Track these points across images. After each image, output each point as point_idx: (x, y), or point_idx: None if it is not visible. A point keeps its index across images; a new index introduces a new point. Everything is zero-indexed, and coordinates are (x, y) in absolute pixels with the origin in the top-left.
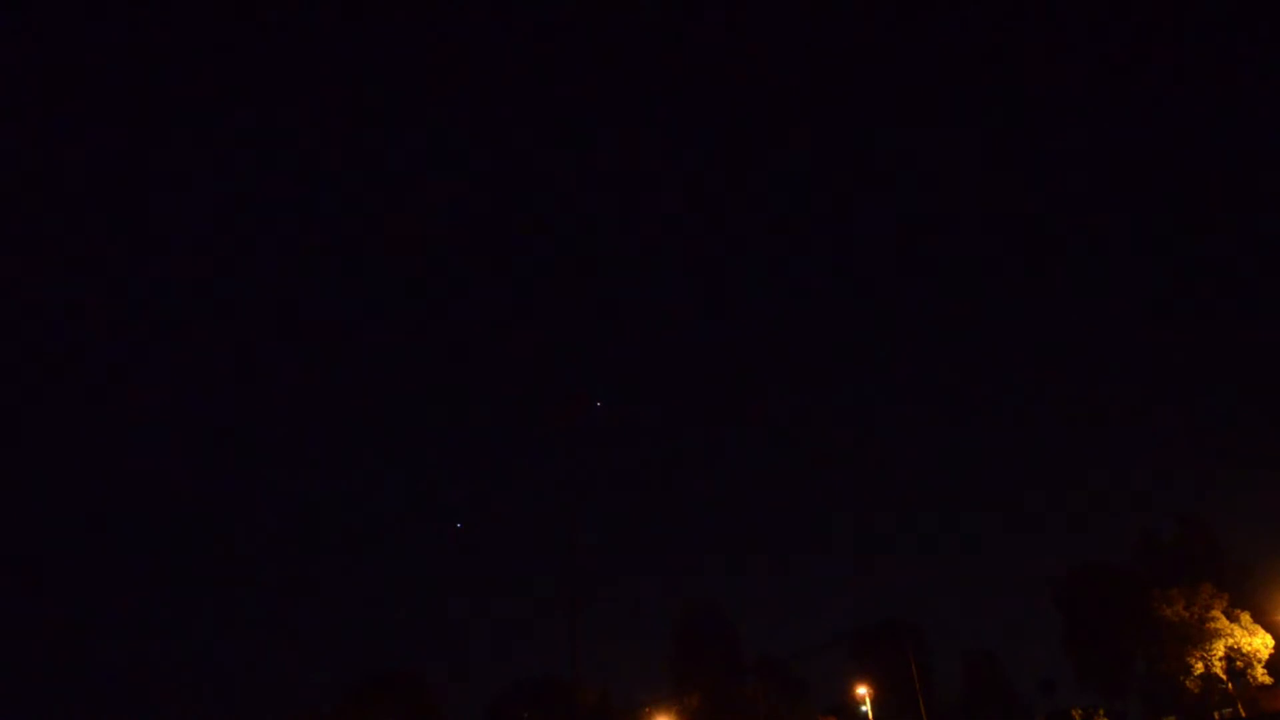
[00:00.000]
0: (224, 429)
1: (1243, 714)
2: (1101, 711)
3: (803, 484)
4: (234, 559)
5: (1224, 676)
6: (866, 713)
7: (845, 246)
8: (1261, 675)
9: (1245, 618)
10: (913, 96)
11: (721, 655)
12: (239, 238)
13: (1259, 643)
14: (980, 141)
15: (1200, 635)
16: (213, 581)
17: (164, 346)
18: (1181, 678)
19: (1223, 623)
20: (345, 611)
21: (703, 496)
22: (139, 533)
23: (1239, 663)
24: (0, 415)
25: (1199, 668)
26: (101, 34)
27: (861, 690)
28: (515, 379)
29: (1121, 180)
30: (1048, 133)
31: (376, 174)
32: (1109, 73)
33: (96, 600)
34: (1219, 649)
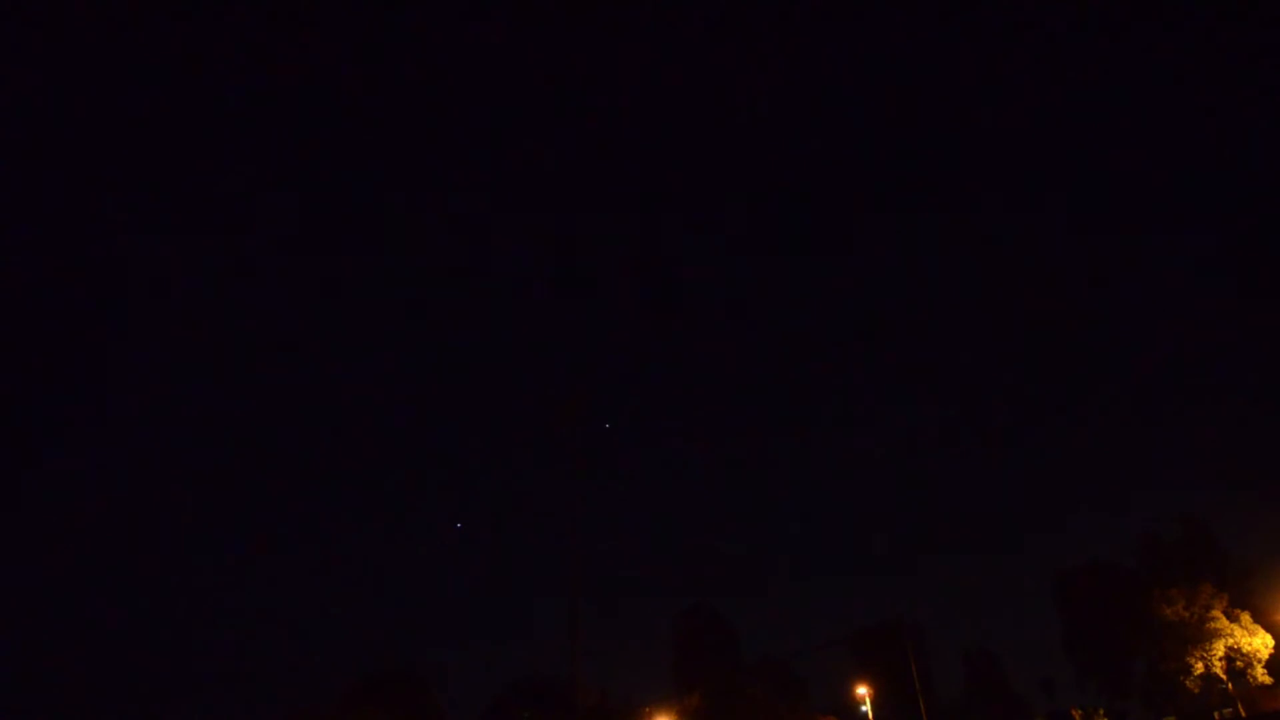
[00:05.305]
0: (225, 429)
1: (1243, 714)
2: (1101, 711)
3: (803, 484)
4: (233, 558)
5: (1224, 676)
6: (866, 713)
7: (844, 248)
8: (1261, 675)
9: (1245, 618)
10: (909, 101)
11: (721, 655)
12: (240, 239)
13: (1259, 643)
14: (980, 140)
15: (1200, 635)
16: (212, 581)
17: (167, 345)
18: (1181, 678)
19: (1223, 623)
20: (346, 611)
21: (703, 497)
22: (138, 532)
23: (1239, 663)
24: (2, 415)
25: (1199, 668)
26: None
27: (861, 690)
28: (517, 381)
29: (1122, 182)
30: (1048, 132)
31: (379, 176)
32: (1108, 74)
33: (95, 600)
34: (1219, 649)
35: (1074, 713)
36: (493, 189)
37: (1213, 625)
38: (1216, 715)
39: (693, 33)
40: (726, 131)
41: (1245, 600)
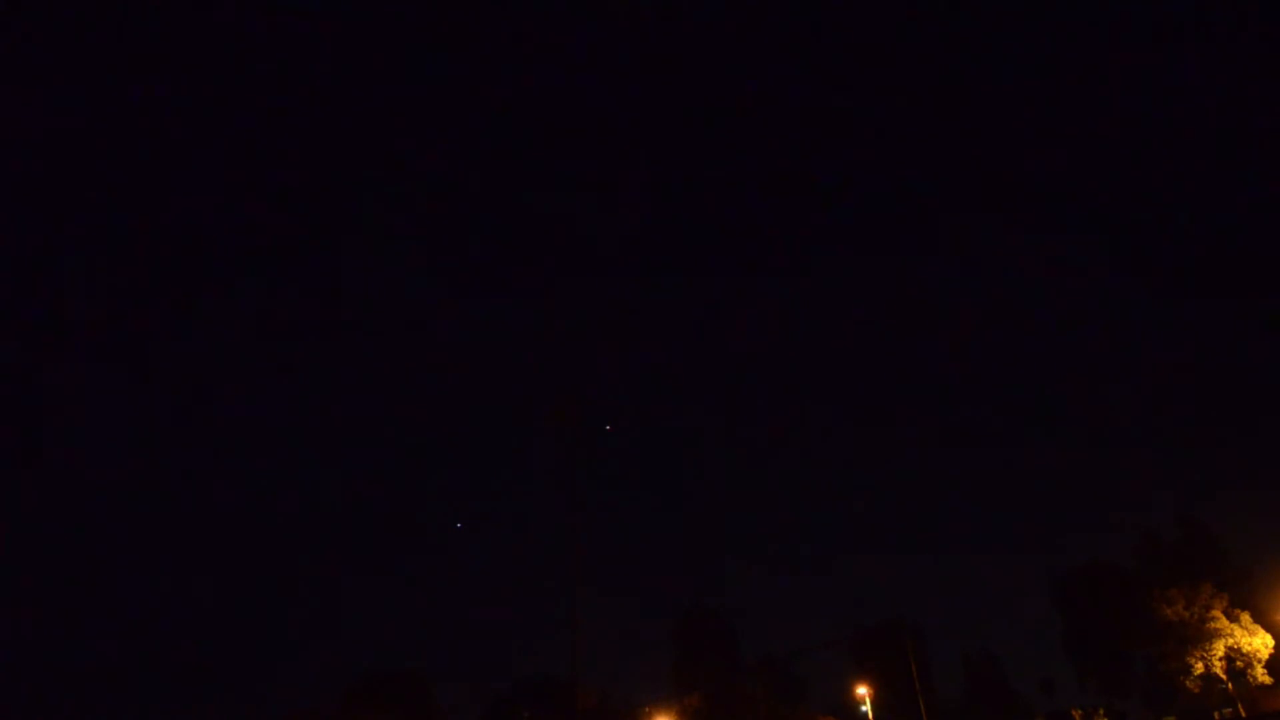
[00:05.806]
0: (224, 430)
1: (1243, 714)
2: (1101, 711)
3: (803, 484)
4: (233, 558)
5: (1224, 676)
6: (866, 713)
7: (845, 250)
8: (1261, 675)
9: (1245, 618)
10: (910, 101)
11: (721, 655)
12: (237, 238)
13: (1259, 643)
14: (980, 143)
15: (1200, 635)
16: (212, 581)
17: (166, 345)
18: (1181, 678)
19: (1223, 623)
20: (345, 611)
21: (704, 497)
22: (138, 533)
23: (1239, 663)
24: (3, 417)
25: (1199, 668)
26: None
27: (861, 690)
28: (517, 380)
29: (1122, 183)
30: (1047, 134)
31: (381, 174)
32: (1108, 77)
33: (95, 600)
34: (1219, 649)
35: (1074, 713)
36: (493, 187)
37: (1213, 625)
38: (1216, 715)
39: (707, 31)
40: (722, 133)
41: (1245, 600)
